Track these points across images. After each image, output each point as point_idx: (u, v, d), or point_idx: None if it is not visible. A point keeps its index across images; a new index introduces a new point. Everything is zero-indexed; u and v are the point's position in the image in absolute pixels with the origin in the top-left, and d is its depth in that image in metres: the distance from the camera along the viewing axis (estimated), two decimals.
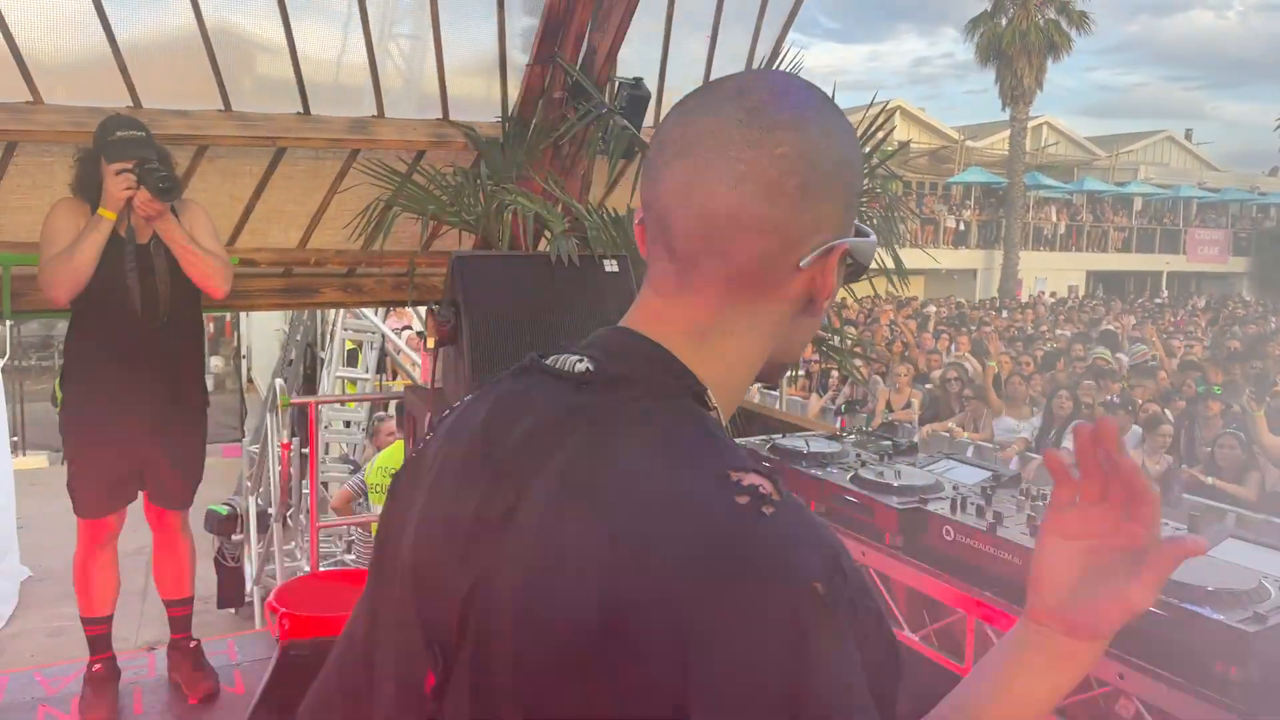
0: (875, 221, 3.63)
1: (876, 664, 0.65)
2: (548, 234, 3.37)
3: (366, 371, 7.23)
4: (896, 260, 3.54)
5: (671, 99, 5.11)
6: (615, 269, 3.07)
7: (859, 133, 3.64)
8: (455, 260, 2.76)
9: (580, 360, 0.74)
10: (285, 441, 3.98)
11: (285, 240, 4.06)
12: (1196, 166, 35.87)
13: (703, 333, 0.75)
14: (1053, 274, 28.95)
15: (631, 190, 3.60)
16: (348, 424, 7.00)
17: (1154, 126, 39.80)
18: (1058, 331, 13.17)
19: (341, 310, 6.90)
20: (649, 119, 5.07)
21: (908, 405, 8.56)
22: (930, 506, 2.01)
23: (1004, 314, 17.37)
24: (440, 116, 4.06)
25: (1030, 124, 29.22)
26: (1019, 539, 1.77)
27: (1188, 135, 38.36)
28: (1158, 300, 24.60)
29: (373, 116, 3.88)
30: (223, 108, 3.60)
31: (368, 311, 6.91)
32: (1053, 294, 25.97)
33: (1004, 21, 28.41)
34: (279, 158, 3.77)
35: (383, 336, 6.97)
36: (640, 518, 0.64)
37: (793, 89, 0.74)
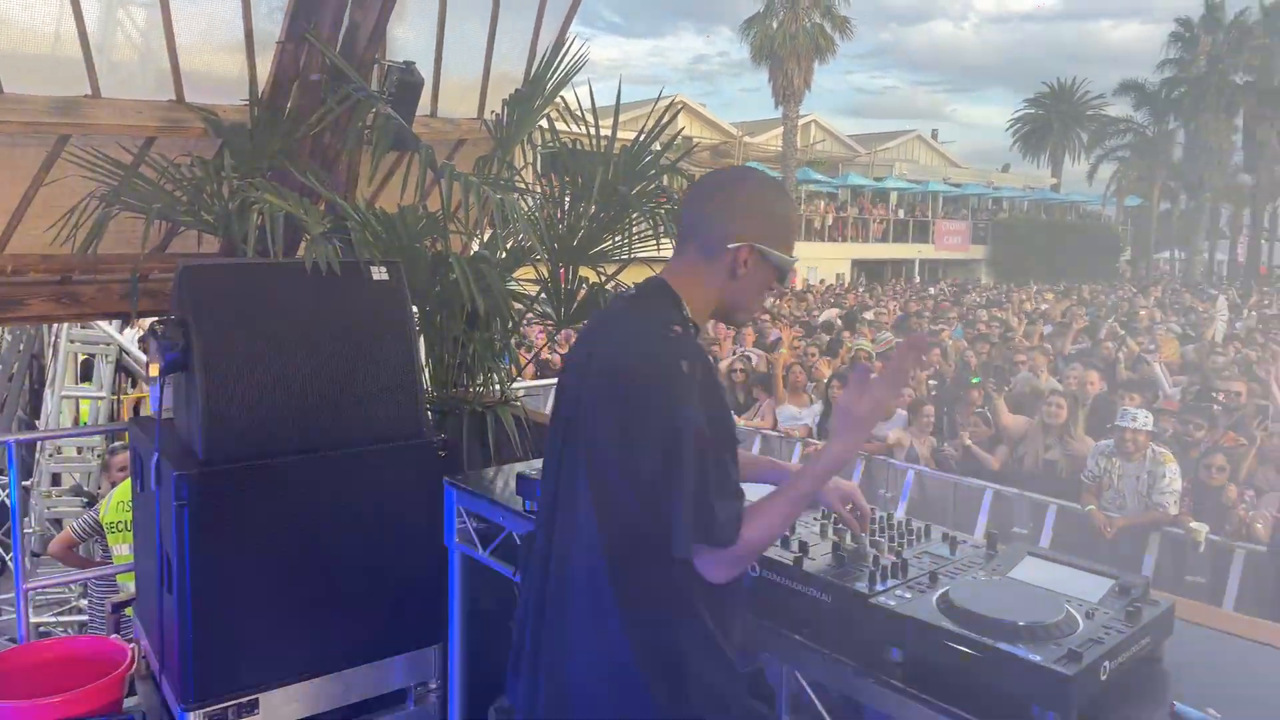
0: (663, 214, 3.52)
1: (719, 415, 1.46)
2: (307, 237, 2.96)
3: (100, 389, 6.27)
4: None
5: (450, 86, 4.75)
6: (385, 276, 2.72)
7: (648, 126, 3.53)
8: (183, 272, 2.31)
9: (631, 289, 1.70)
10: None
11: None
12: (942, 164, 39.55)
13: (686, 276, 1.58)
14: (823, 263, 30.94)
15: (403, 187, 3.25)
16: (80, 450, 6.05)
17: (905, 126, 43.47)
18: (821, 318, 13.86)
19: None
20: (424, 107, 4.69)
21: None
22: None
23: (781, 303, 18.22)
24: (174, 98, 3.50)
25: (800, 122, 30.97)
26: (823, 574, 1.66)
27: (934, 135, 42.21)
28: (914, 283, 26.87)
29: (86, 96, 3.26)
30: None
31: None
32: (821, 280, 27.75)
33: (775, 23, 29.90)
34: None
35: (119, 348, 6.07)
36: (629, 342, 1.51)
37: (731, 172, 1.78)
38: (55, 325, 6.33)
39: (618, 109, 3.53)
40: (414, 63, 3.65)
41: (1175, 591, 2.38)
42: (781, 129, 30.28)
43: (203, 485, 2.34)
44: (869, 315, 14.41)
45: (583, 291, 3.50)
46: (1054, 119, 44.48)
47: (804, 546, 1.79)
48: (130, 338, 6.29)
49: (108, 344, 6.27)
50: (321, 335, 2.52)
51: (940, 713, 1.42)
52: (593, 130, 3.57)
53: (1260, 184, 40.72)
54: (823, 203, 32.94)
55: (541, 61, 3.82)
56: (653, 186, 3.41)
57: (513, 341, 3.97)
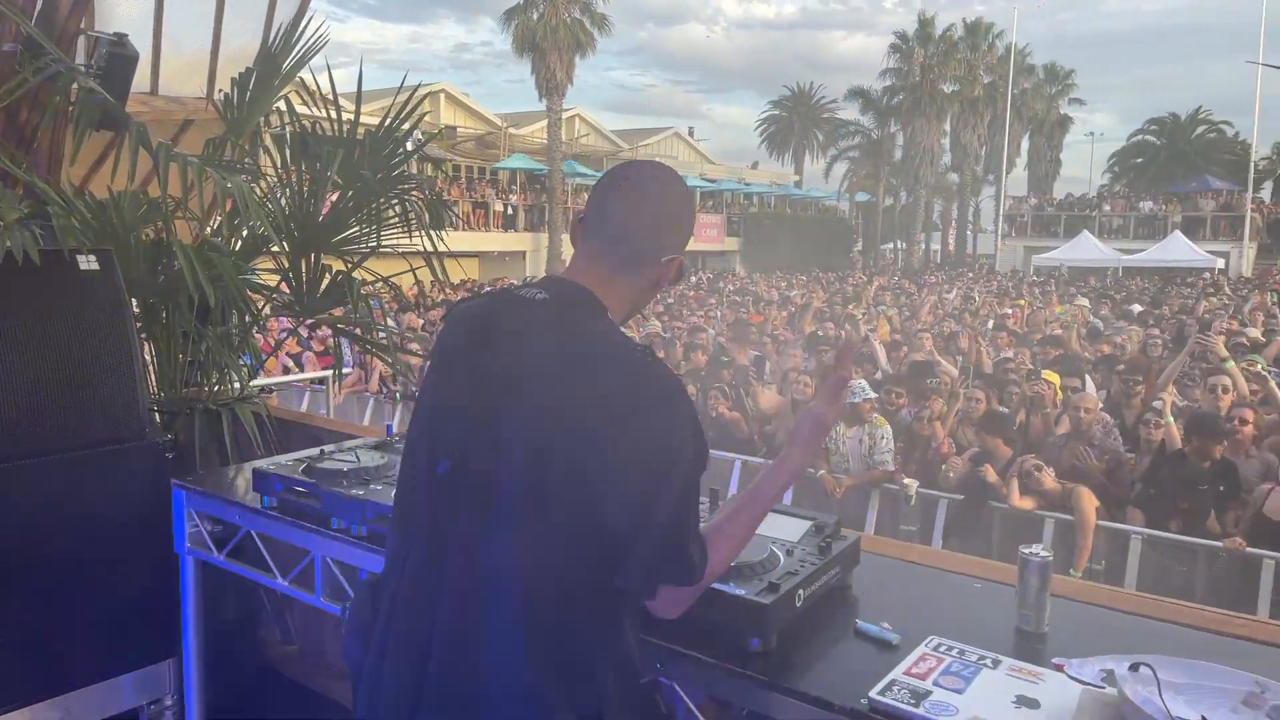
0: (422, 204, 3.48)
1: (703, 444, 1.32)
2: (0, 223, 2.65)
3: None
4: (435, 244, 3.41)
5: (174, 62, 4.40)
6: (95, 266, 2.50)
7: (398, 113, 3.46)
8: None
9: (539, 292, 1.40)
10: None
11: None
12: (698, 160, 41.55)
13: (609, 283, 1.41)
14: None
15: (115, 168, 2.99)
16: None
17: (664, 123, 45.27)
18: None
19: None
20: (144, 84, 4.31)
21: None
22: None
23: None
24: None
25: (565, 115, 31.32)
26: None
27: (691, 132, 44.24)
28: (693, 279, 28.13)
29: None
30: None
31: None
32: None
33: (536, 15, 30.01)
34: None
35: None
36: (608, 370, 1.31)
37: (653, 175, 1.46)
38: None
39: (360, 88, 3.44)
40: (126, 35, 3.36)
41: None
42: (547, 121, 30.48)
43: None
44: None
45: (326, 279, 3.39)
46: (795, 121, 48.06)
47: None
48: None
49: None
50: (19, 331, 2.28)
51: (672, 654, 1.54)
52: (337, 114, 3.46)
53: (964, 181, 46.35)
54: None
55: (278, 38, 3.64)
56: (396, 173, 3.36)
57: (254, 335, 3.77)
